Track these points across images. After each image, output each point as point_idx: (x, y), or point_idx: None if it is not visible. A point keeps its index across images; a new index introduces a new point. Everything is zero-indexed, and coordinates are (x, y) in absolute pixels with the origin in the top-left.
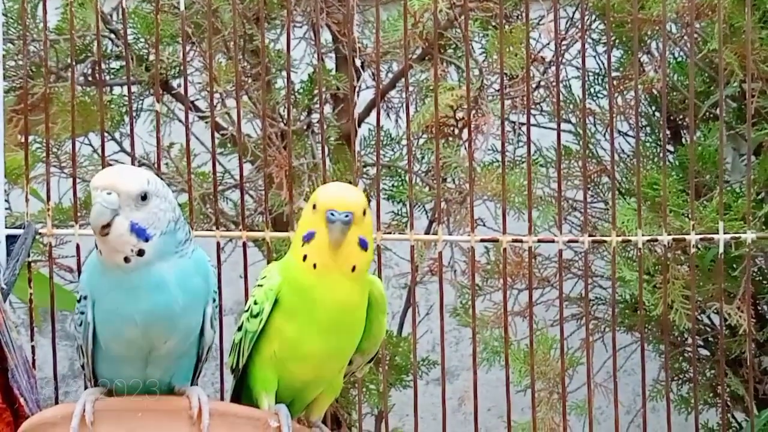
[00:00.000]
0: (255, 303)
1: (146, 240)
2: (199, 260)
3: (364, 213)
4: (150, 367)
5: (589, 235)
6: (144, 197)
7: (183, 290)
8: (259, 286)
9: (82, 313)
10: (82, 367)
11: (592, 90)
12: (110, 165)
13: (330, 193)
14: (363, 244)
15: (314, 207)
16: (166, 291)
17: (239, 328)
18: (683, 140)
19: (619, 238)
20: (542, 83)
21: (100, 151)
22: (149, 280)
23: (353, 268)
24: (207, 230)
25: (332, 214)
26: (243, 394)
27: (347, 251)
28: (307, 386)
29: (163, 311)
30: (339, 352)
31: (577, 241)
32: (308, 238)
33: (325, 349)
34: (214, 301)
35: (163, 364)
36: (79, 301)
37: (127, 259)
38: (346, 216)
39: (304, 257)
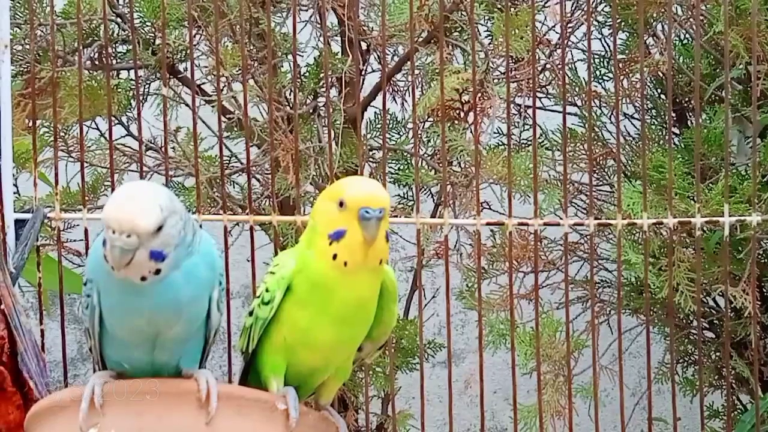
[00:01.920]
0: (266, 290)
1: (162, 260)
2: (206, 251)
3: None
4: (157, 351)
5: (595, 218)
6: (160, 228)
7: (190, 284)
8: (271, 273)
9: (89, 296)
10: (90, 349)
11: (597, 73)
12: (117, 149)
13: (361, 190)
14: (387, 237)
15: (341, 205)
16: (175, 289)
17: (250, 314)
18: (689, 123)
19: (625, 221)
20: (548, 66)
21: (107, 135)
22: (159, 286)
23: (380, 261)
24: (214, 214)
25: (367, 212)
26: (251, 375)
27: (377, 246)
28: (316, 371)
29: (170, 305)
30: (349, 341)
31: (582, 224)
32: (337, 236)
33: (336, 339)
34: (221, 284)
35: (171, 348)
36: (85, 284)
37: (143, 278)
38: (380, 212)
39: (334, 256)
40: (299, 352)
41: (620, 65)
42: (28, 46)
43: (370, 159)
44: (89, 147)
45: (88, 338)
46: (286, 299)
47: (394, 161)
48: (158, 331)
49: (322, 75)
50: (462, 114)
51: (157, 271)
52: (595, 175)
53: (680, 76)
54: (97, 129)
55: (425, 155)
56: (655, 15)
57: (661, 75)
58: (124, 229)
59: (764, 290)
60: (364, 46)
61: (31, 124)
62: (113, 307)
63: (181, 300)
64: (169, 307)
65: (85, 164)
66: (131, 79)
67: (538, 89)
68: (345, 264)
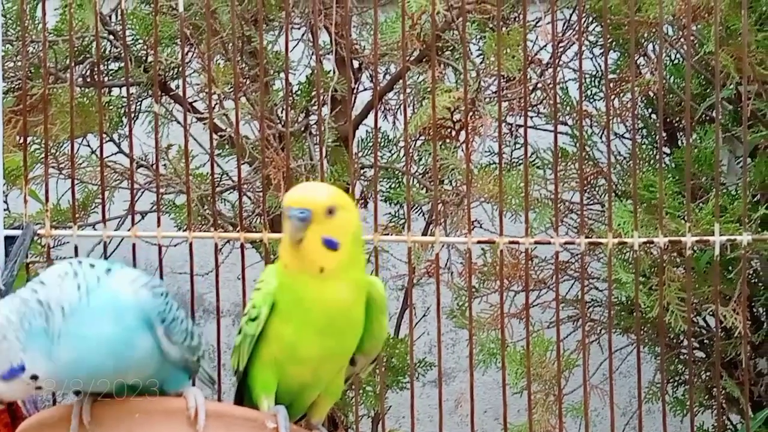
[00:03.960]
0: (253, 307)
1: (20, 371)
2: (102, 306)
3: (331, 212)
4: (132, 385)
5: (586, 237)
6: None
7: (100, 346)
8: (257, 290)
9: None
10: None
11: (588, 92)
12: (108, 166)
13: (292, 191)
14: (329, 244)
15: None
16: (85, 355)
17: (240, 332)
18: (679, 142)
19: (616, 240)
20: (539, 85)
21: (98, 152)
22: (70, 360)
23: (321, 269)
24: (205, 232)
25: (289, 212)
26: (245, 395)
27: (310, 251)
28: (306, 388)
29: (96, 370)
30: (336, 354)
31: (573, 243)
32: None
33: (322, 351)
34: (164, 321)
35: (145, 383)
36: None
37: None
38: (302, 213)
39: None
40: (288, 367)
41: (611, 85)
42: (19, 63)
43: (362, 177)
44: (80, 164)
45: None
46: (272, 314)
47: (385, 179)
48: (116, 379)
49: (313, 93)
50: (453, 133)
51: (34, 379)
52: (586, 194)
53: (671, 96)
54: (88, 146)
55: (416, 173)
56: (646, 35)
57: (652, 95)
58: None
59: (754, 310)
60: (356, 64)
61: (22, 140)
62: None
63: (107, 362)
64: (99, 373)
65: (76, 181)
66: (123, 97)
67: (530, 108)
68: (285, 266)
